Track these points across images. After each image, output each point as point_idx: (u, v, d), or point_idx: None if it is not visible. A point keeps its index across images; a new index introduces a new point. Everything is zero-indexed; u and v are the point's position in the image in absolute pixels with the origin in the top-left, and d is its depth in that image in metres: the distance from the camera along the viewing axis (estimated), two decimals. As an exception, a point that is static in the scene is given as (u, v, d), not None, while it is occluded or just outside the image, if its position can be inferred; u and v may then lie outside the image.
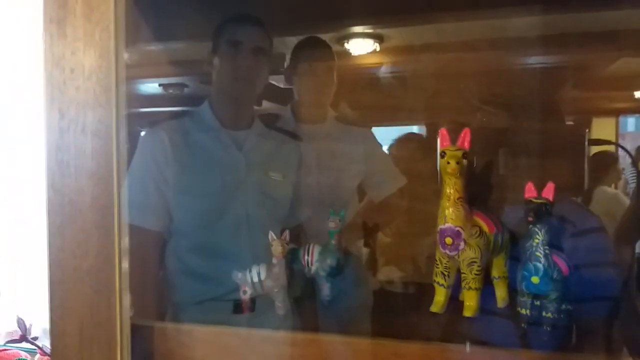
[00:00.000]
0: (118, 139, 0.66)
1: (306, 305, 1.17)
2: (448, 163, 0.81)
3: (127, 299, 0.68)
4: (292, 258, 0.93)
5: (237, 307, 1.13)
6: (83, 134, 0.66)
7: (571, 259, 0.85)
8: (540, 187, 0.80)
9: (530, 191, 0.79)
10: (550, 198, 0.78)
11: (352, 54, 2.14)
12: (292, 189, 1.34)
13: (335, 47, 1.74)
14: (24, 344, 1.47)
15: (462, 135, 0.85)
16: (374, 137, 1.69)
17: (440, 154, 0.84)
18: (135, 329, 0.69)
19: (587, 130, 1.03)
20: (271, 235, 0.88)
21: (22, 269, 1.68)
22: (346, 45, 2.10)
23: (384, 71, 2.48)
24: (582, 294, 0.94)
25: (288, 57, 2.10)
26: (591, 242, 1.01)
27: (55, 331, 0.67)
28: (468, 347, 0.72)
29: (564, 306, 0.81)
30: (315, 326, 1.28)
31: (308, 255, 0.93)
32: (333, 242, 0.92)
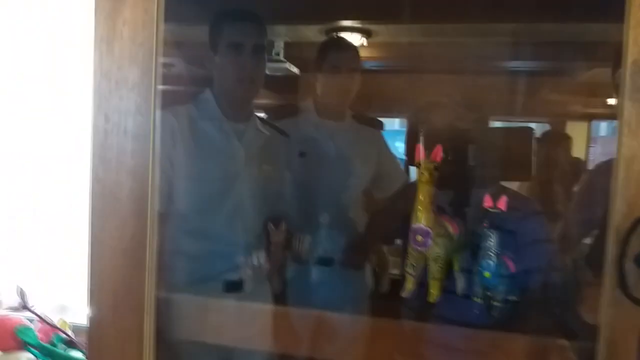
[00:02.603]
0: (154, 142, 0.80)
1: (296, 289, 1.31)
2: (422, 173, 0.97)
3: (153, 275, 0.82)
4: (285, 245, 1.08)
5: (228, 286, 1.20)
6: (125, 136, 0.79)
7: (519, 240, 1.01)
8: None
9: (487, 201, 0.96)
10: (503, 209, 0.95)
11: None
12: (279, 181, 1.42)
13: (321, 39, 1.77)
14: (25, 312, 1.56)
15: (435, 150, 1.00)
16: (385, 139, 1.76)
17: (416, 165, 1.00)
18: (158, 299, 0.84)
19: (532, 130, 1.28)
20: (270, 225, 1.02)
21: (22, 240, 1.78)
22: (333, 38, 2.20)
23: (369, 65, 2.59)
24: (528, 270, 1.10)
25: (279, 44, 2.18)
26: (535, 223, 1.20)
27: (94, 299, 0.81)
28: None
29: (509, 297, 0.99)
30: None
31: (299, 244, 1.07)
32: (323, 233, 1.06)
